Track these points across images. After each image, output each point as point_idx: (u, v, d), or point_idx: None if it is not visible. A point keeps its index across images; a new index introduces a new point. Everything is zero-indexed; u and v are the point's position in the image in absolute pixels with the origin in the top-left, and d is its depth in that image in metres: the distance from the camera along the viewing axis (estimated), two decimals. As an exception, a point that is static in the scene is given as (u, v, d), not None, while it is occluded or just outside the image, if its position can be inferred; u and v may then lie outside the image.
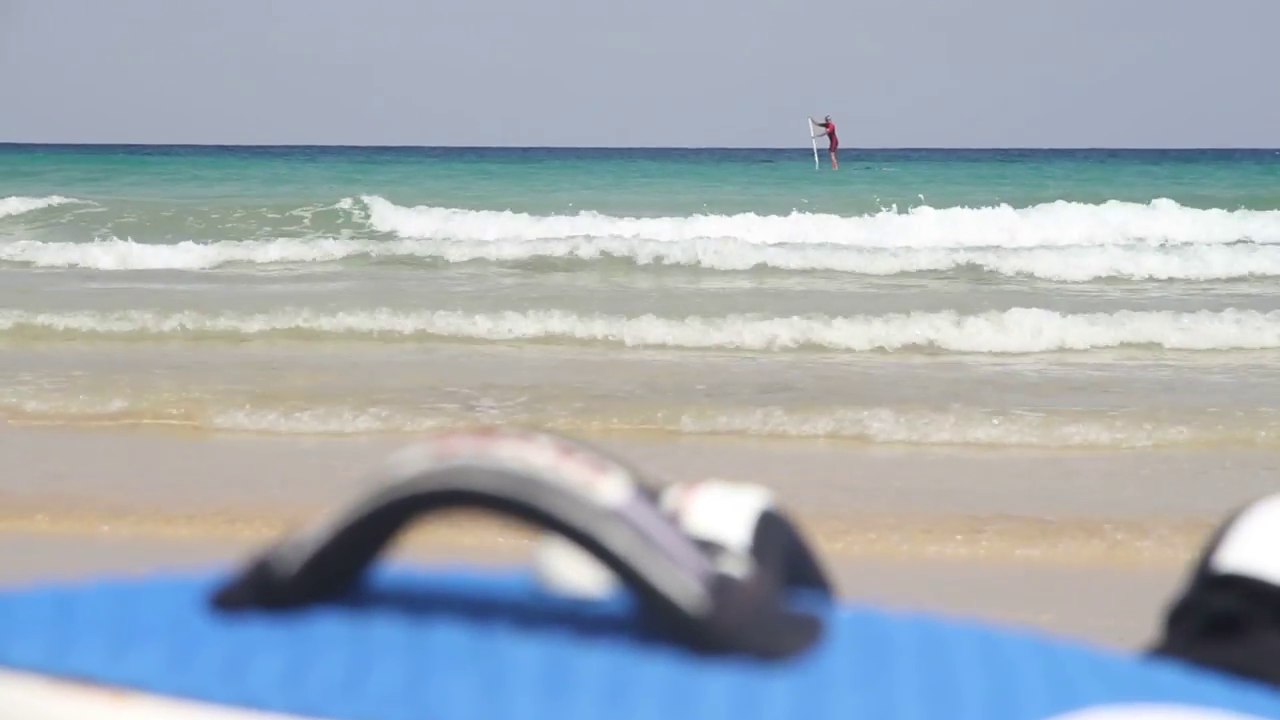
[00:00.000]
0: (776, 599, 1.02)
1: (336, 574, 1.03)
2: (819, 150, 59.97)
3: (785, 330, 14.01)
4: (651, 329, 14.23)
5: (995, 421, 9.56)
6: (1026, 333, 14.06)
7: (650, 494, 1.02)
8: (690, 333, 14.07)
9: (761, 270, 21.56)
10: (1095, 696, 0.99)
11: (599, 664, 0.98)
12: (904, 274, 21.15)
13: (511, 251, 23.02)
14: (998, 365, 12.88)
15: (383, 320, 14.53)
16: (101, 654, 1.00)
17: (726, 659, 0.98)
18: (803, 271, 21.41)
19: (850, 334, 13.90)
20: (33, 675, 1.00)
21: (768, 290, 19.13)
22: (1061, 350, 13.80)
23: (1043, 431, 9.36)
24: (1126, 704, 0.99)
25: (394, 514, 1.01)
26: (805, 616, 1.02)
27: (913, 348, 13.70)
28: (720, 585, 0.99)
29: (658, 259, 22.23)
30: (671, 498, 1.13)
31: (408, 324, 14.47)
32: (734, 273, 21.40)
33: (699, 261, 21.95)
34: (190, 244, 23.56)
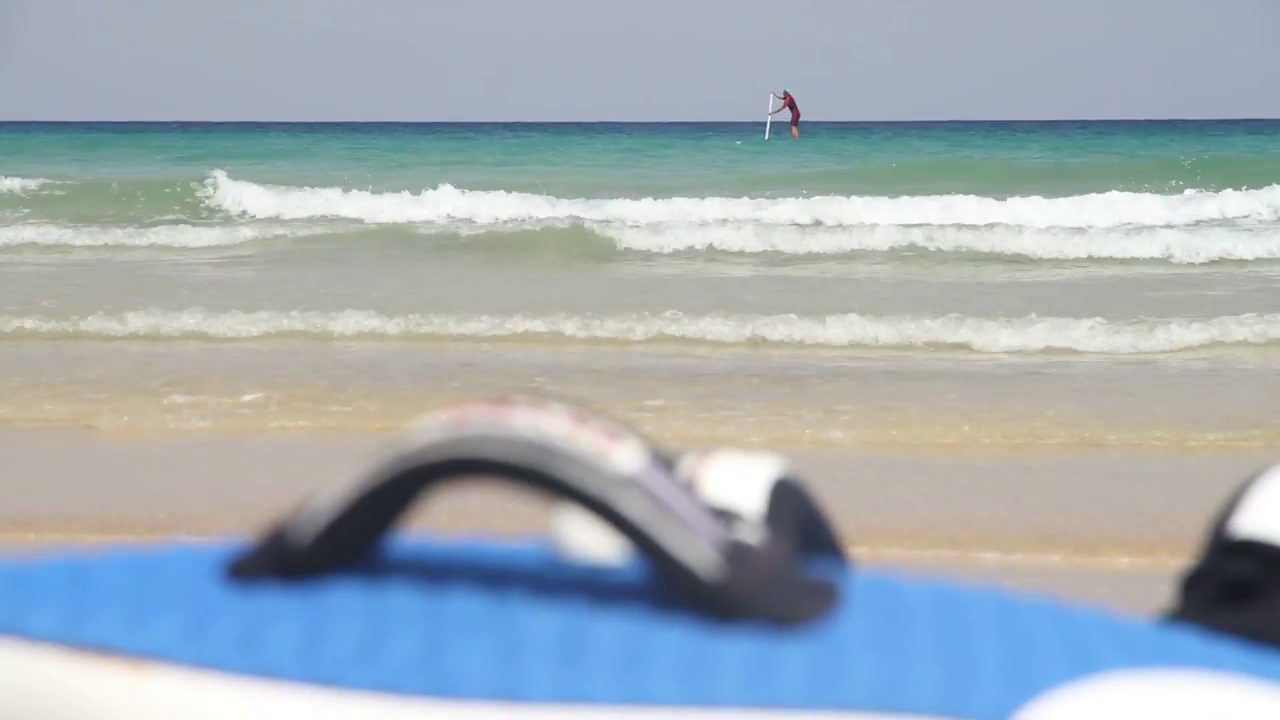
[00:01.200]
0: (791, 566, 1.02)
1: (352, 543, 1.03)
2: (774, 123, 61.03)
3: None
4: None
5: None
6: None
7: (665, 462, 1.02)
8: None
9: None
10: (1112, 661, 0.99)
11: (615, 631, 0.98)
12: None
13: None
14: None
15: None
16: (119, 624, 1.01)
17: (742, 625, 0.98)
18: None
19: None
20: (50, 646, 1.00)
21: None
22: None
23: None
24: (1143, 668, 0.99)
25: (409, 483, 1.01)
26: (820, 583, 1.02)
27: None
28: (736, 552, 0.99)
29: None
30: (686, 466, 1.13)
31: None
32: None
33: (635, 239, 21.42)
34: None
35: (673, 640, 0.98)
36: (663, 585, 1.00)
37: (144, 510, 7.08)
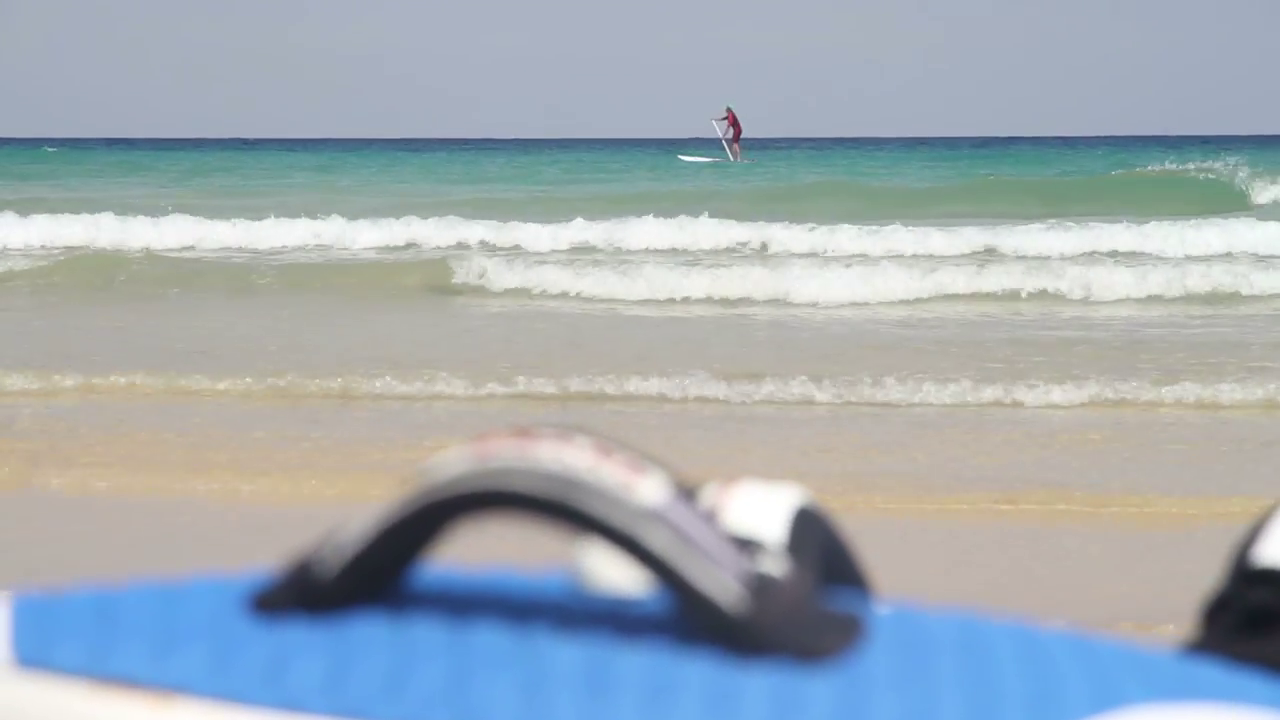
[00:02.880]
0: (815, 598, 1.02)
1: (377, 576, 1.03)
2: (725, 142, 57.22)
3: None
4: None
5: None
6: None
7: (688, 493, 1.02)
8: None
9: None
10: (1136, 694, 0.99)
11: (639, 664, 0.98)
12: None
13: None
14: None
15: None
16: (144, 656, 1.01)
17: (766, 659, 0.98)
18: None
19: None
20: (76, 678, 1.01)
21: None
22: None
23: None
24: (1167, 702, 0.99)
25: (434, 516, 1.01)
26: (844, 615, 1.02)
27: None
28: (759, 584, 0.99)
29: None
30: (708, 495, 1.13)
31: None
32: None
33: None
34: None
35: (697, 673, 0.98)
36: (687, 618, 1.00)
37: None
